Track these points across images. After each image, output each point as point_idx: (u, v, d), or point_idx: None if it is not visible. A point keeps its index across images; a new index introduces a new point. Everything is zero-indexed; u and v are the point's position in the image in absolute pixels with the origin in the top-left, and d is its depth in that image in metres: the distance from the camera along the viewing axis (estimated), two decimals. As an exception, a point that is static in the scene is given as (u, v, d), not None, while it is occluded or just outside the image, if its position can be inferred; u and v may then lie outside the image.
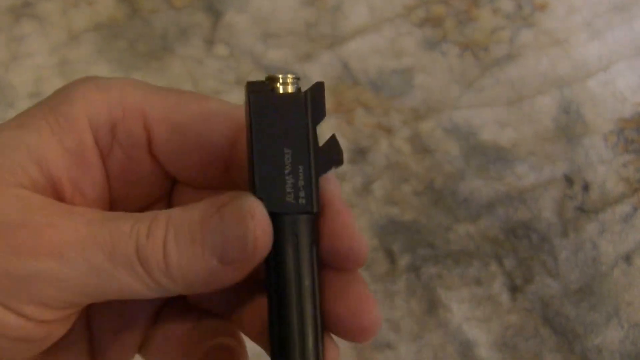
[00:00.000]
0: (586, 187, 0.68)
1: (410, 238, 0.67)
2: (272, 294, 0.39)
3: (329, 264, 0.41)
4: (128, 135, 0.42)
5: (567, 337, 0.62)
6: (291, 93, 0.39)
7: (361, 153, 0.71)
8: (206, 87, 0.75)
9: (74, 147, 0.41)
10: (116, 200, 0.44)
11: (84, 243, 0.37)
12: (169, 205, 0.46)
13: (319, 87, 0.39)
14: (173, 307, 0.45)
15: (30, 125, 0.40)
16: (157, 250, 0.37)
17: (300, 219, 0.39)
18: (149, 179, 0.44)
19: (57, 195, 0.41)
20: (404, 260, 0.66)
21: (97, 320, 0.45)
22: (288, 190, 0.39)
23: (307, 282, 0.39)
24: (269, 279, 0.39)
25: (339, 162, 0.40)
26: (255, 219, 0.38)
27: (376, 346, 0.63)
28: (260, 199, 0.38)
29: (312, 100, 0.39)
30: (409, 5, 0.79)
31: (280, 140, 0.39)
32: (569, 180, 0.69)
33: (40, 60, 0.76)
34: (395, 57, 0.77)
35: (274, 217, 0.39)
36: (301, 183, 0.39)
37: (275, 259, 0.39)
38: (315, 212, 0.39)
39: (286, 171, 0.39)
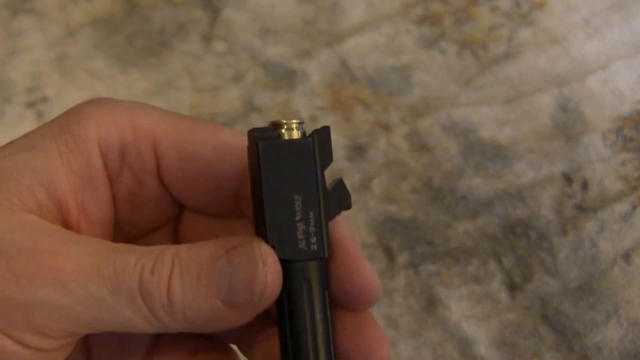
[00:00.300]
0: (585, 186, 0.68)
1: (408, 235, 0.67)
2: (286, 338, 0.40)
3: (340, 303, 0.42)
4: (137, 159, 0.42)
5: (566, 335, 0.62)
6: (299, 139, 0.39)
7: (359, 150, 0.71)
8: (204, 83, 0.74)
9: (82, 170, 0.41)
10: (122, 223, 0.44)
11: (87, 274, 0.37)
12: (176, 230, 0.46)
13: (325, 131, 0.40)
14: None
15: (39, 147, 0.40)
16: (161, 287, 0.37)
17: (312, 265, 0.39)
18: (156, 203, 0.44)
19: (63, 217, 0.41)
20: (402, 258, 0.65)
21: (96, 345, 0.45)
22: (299, 236, 0.39)
23: (320, 329, 0.40)
24: (283, 324, 0.40)
25: (347, 206, 0.41)
26: (267, 266, 0.38)
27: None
28: (272, 246, 0.39)
29: (319, 145, 0.39)
30: (407, 3, 0.79)
31: (290, 186, 0.39)
32: (567, 179, 0.69)
33: (38, 55, 0.76)
34: (394, 54, 0.77)
35: (286, 263, 0.39)
36: (312, 229, 0.39)
37: (288, 305, 0.40)
38: (326, 257, 0.40)
39: (297, 218, 0.39)
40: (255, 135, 0.39)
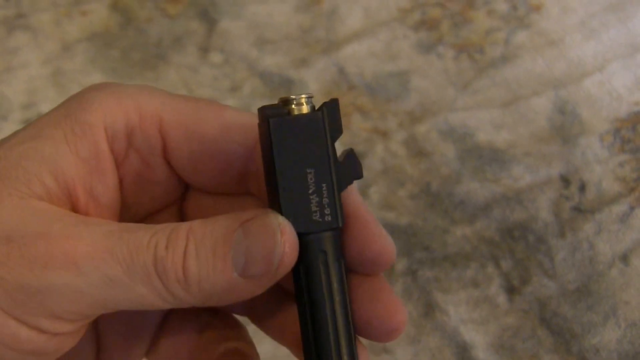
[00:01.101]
0: (582, 187, 0.68)
1: (406, 241, 0.67)
2: (304, 310, 0.40)
3: (356, 269, 0.42)
4: (144, 141, 0.43)
5: (564, 337, 0.62)
6: (308, 113, 0.40)
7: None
8: (201, 95, 0.75)
9: (89, 155, 0.41)
10: (128, 205, 0.44)
11: (101, 255, 0.37)
12: (181, 210, 0.47)
13: (333, 104, 0.40)
14: (181, 310, 0.46)
15: (46, 135, 0.40)
16: (176, 262, 0.38)
17: (327, 236, 0.40)
18: (162, 185, 0.45)
19: (71, 202, 0.41)
20: (400, 264, 0.66)
21: (104, 324, 0.45)
22: (313, 209, 0.40)
23: (338, 297, 0.40)
24: (301, 296, 0.40)
25: (359, 175, 0.41)
26: (284, 235, 0.38)
27: (373, 350, 0.63)
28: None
29: (328, 118, 0.40)
30: (404, 9, 0.79)
31: (302, 160, 0.40)
32: (565, 181, 0.69)
33: (33, 72, 0.76)
34: (391, 60, 0.77)
35: (302, 236, 0.39)
36: (325, 201, 0.40)
37: (306, 277, 0.40)
38: (341, 226, 0.40)
39: (310, 190, 0.40)
40: (265, 113, 0.40)
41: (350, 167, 0.41)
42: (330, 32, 0.79)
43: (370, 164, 0.71)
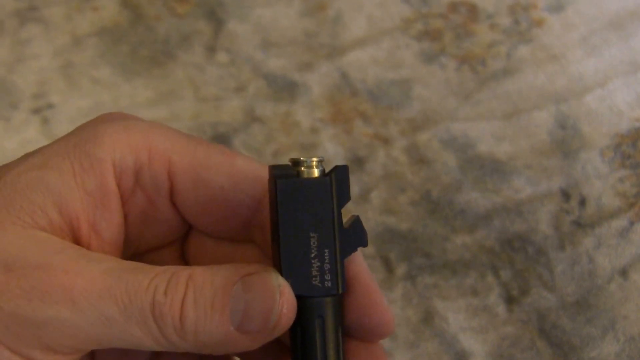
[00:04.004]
0: (582, 202, 0.69)
1: (406, 247, 0.67)
2: None
3: (354, 335, 0.43)
4: (151, 180, 0.43)
5: (563, 349, 0.62)
6: (316, 177, 0.40)
7: (359, 162, 0.71)
8: (207, 94, 0.75)
9: (95, 190, 0.41)
10: (130, 240, 0.44)
11: (99, 293, 0.37)
12: (183, 249, 0.47)
13: (343, 170, 0.41)
14: None
15: (52, 165, 0.40)
16: (174, 309, 0.38)
17: (326, 302, 0.40)
18: (166, 223, 0.45)
19: (74, 235, 0.41)
20: (400, 269, 0.66)
21: (101, 354, 0.45)
22: (314, 273, 0.40)
23: None
24: (296, 357, 0.41)
25: (364, 243, 0.42)
26: (283, 296, 0.39)
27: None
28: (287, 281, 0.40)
29: (337, 184, 0.40)
30: (408, 19, 0.80)
31: (306, 224, 0.40)
32: (565, 194, 0.69)
33: (44, 63, 0.76)
34: (394, 68, 0.77)
35: (301, 299, 0.40)
36: (327, 266, 0.40)
37: (302, 339, 0.40)
38: (341, 293, 0.40)
39: (312, 255, 0.40)
40: (274, 173, 0.40)
41: (356, 235, 0.41)
42: (334, 38, 0.79)
43: (372, 169, 0.71)
